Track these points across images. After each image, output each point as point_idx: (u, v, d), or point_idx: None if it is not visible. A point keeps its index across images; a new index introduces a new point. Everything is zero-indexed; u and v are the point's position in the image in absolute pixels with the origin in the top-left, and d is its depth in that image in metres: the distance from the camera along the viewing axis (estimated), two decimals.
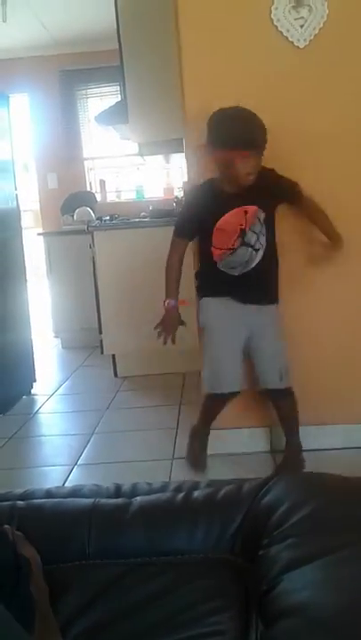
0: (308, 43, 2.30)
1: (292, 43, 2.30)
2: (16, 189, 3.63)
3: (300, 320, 2.47)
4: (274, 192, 2.24)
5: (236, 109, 2.10)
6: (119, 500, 1.19)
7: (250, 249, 2.19)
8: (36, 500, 1.22)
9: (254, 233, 2.18)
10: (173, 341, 2.30)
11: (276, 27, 2.29)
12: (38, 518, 1.16)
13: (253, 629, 0.89)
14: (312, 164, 2.38)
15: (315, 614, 0.80)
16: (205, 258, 2.29)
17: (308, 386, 2.51)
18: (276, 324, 2.34)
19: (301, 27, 2.28)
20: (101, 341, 3.86)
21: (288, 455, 2.42)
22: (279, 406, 2.42)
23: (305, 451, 2.44)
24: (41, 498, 1.24)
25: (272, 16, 2.28)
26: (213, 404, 2.40)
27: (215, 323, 2.32)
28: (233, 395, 2.35)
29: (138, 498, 1.19)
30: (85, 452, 2.79)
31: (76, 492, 1.25)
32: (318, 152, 2.38)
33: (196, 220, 2.26)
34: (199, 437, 2.45)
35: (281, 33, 2.29)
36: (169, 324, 2.30)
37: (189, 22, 2.34)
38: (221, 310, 2.29)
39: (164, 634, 0.90)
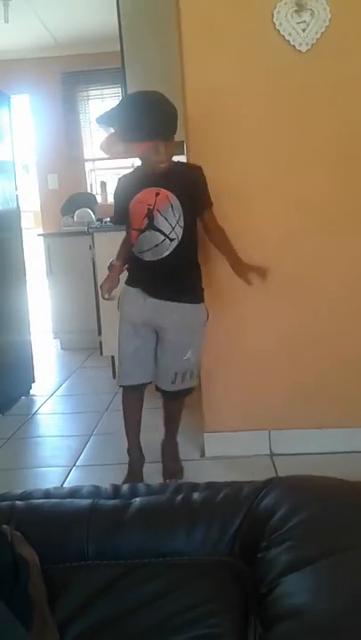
0: (310, 47, 2.30)
1: (294, 47, 2.30)
2: (17, 190, 3.63)
3: (299, 323, 2.47)
4: (190, 185, 2.17)
5: (145, 96, 2.08)
6: (118, 502, 1.19)
7: (161, 235, 2.13)
8: (34, 501, 1.22)
9: (165, 219, 2.12)
10: (110, 298, 2.38)
11: (279, 31, 2.29)
12: (37, 519, 1.16)
13: (252, 632, 0.89)
14: (314, 165, 2.39)
15: (313, 617, 0.80)
16: (129, 241, 2.28)
17: (304, 389, 2.52)
18: (185, 325, 2.24)
19: (303, 31, 2.29)
20: (101, 343, 3.85)
21: (166, 463, 2.46)
22: (165, 405, 2.43)
23: (305, 454, 2.44)
24: (40, 498, 1.24)
25: (274, 20, 2.29)
26: (128, 399, 2.39)
27: (123, 311, 2.31)
28: (140, 387, 2.35)
29: (137, 499, 1.19)
30: (84, 452, 2.79)
31: (74, 493, 1.25)
32: (320, 155, 2.38)
33: (120, 203, 2.24)
34: (134, 439, 2.42)
35: (283, 37, 2.30)
36: (107, 280, 2.39)
37: (191, 25, 2.34)
38: (131, 300, 2.27)
39: (161, 635, 0.90)
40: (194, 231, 2.21)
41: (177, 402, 2.39)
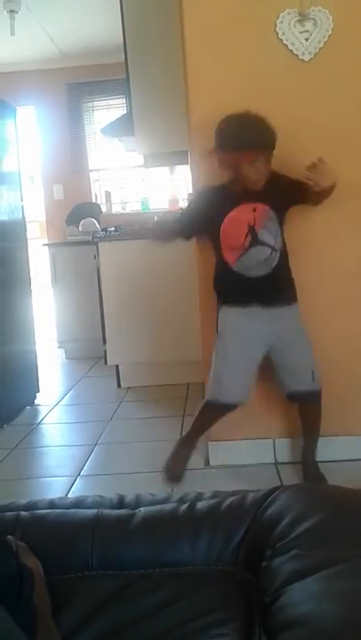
0: (313, 56, 2.31)
1: (297, 56, 2.31)
2: (22, 200, 3.65)
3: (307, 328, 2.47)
4: (285, 193, 2.20)
5: (245, 113, 2.10)
6: (122, 511, 1.19)
7: (267, 248, 2.15)
8: (39, 511, 1.22)
9: (269, 232, 2.14)
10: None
11: (282, 40, 2.31)
12: (41, 529, 1.16)
13: None
14: None
15: (317, 627, 0.79)
16: (219, 261, 2.26)
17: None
18: (301, 323, 2.31)
19: (306, 40, 2.30)
20: (105, 352, 3.86)
21: (306, 472, 2.39)
22: (307, 410, 2.39)
23: None
24: (44, 508, 1.24)
25: (277, 29, 2.30)
26: (213, 414, 2.35)
27: (234, 332, 2.27)
28: (236, 406, 2.30)
29: (141, 509, 1.19)
30: (89, 462, 2.78)
31: (79, 503, 1.25)
32: None
33: (200, 218, 2.24)
34: (187, 447, 2.39)
35: (286, 46, 2.31)
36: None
37: (195, 35, 2.36)
38: (242, 319, 2.25)
39: None
40: (284, 237, 2.25)
41: (319, 404, 2.36)
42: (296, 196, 2.21)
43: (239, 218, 2.14)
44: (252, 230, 2.12)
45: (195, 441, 2.40)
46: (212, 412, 2.35)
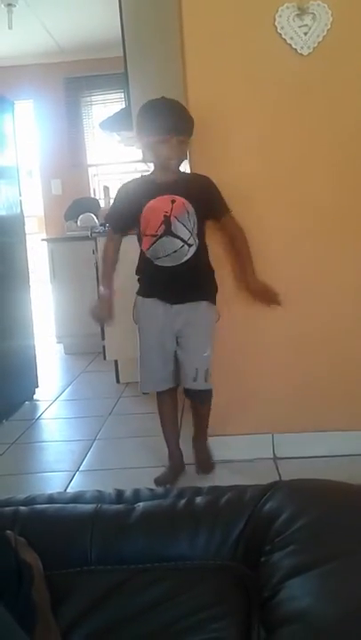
0: (311, 50, 2.31)
1: (296, 50, 2.31)
2: (20, 195, 3.64)
3: (302, 326, 2.47)
4: (205, 197, 2.24)
5: (159, 100, 2.20)
6: (121, 506, 1.19)
7: (179, 241, 2.18)
8: (38, 506, 1.22)
9: (183, 225, 2.18)
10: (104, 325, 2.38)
11: (280, 34, 2.30)
12: (40, 524, 1.16)
13: (255, 636, 0.88)
14: (317, 168, 2.39)
15: (316, 622, 0.79)
16: (140, 248, 2.30)
17: (308, 392, 2.51)
18: (202, 322, 2.31)
19: (305, 34, 2.29)
20: (104, 347, 3.86)
21: (198, 459, 2.49)
22: (193, 407, 2.48)
23: (308, 458, 2.44)
24: (43, 503, 1.24)
25: (276, 24, 2.29)
26: (160, 400, 2.45)
27: (144, 323, 2.35)
28: (164, 392, 2.40)
29: (140, 504, 1.19)
30: (88, 457, 2.78)
31: (78, 498, 1.25)
32: (322, 159, 2.38)
33: (126, 211, 2.28)
34: (172, 441, 2.48)
35: (285, 40, 2.30)
36: (101, 311, 2.39)
37: (193, 30, 2.35)
38: (150, 310, 2.32)
39: None
40: (205, 237, 2.28)
41: (206, 404, 2.42)
42: (212, 203, 2.26)
43: (157, 207, 2.19)
44: (166, 220, 2.17)
45: (171, 433, 2.48)
46: (158, 402, 2.45)
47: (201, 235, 2.24)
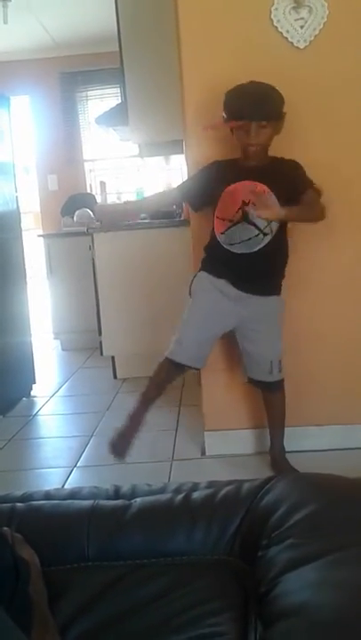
0: (308, 43, 2.30)
1: (292, 43, 2.30)
2: (16, 191, 3.63)
3: (300, 319, 2.47)
4: (289, 181, 2.19)
5: (250, 83, 2.14)
6: (118, 502, 1.19)
7: (255, 229, 2.15)
8: (35, 502, 1.22)
9: None
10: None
11: (276, 27, 2.29)
12: (37, 520, 1.16)
13: (253, 631, 0.88)
14: (312, 162, 2.38)
15: (313, 615, 0.79)
16: (211, 231, 2.26)
17: (309, 386, 2.51)
18: (273, 316, 2.30)
19: (301, 27, 2.28)
20: (101, 343, 3.86)
21: (273, 458, 2.43)
22: (267, 400, 2.41)
23: (305, 452, 2.44)
24: (40, 500, 1.24)
25: (272, 17, 2.28)
26: (168, 372, 2.35)
27: (200, 298, 2.29)
28: (189, 368, 2.34)
29: (137, 499, 1.19)
30: (85, 453, 2.78)
31: (75, 494, 1.25)
32: (317, 153, 2.38)
33: (203, 189, 2.24)
34: (145, 405, 2.38)
35: (281, 34, 2.29)
36: (104, 212, 2.39)
37: (189, 24, 2.34)
38: (214, 292, 2.26)
39: (163, 635, 0.90)
40: (285, 228, 2.23)
41: (280, 393, 2.38)
42: (296, 187, 2.18)
43: (236, 191, 2.15)
44: (243, 205, 2.13)
45: (150, 399, 2.38)
46: (168, 371, 2.35)
47: (282, 225, 2.19)
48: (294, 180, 2.19)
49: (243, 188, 2.14)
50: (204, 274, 2.29)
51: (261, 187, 2.12)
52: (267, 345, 2.30)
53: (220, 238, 2.20)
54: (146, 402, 2.38)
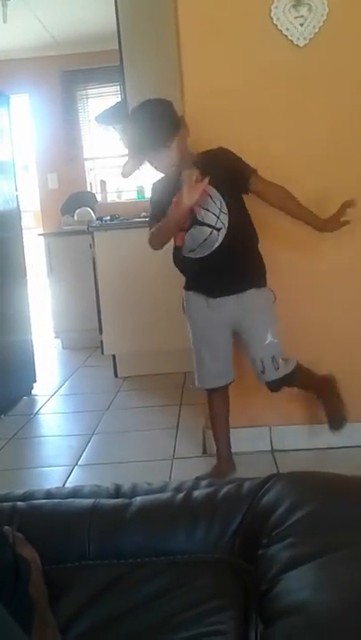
0: (308, 41, 2.30)
1: (292, 41, 2.30)
2: (16, 190, 3.63)
3: (298, 317, 2.47)
4: (226, 168, 2.12)
5: (139, 110, 2.12)
6: (119, 501, 1.19)
7: (207, 228, 2.10)
8: (36, 501, 1.22)
9: (207, 210, 2.08)
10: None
11: (276, 25, 2.29)
12: (38, 519, 1.16)
13: (253, 629, 0.88)
14: (312, 158, 2.38)
15: (313, 613, 0.79)
16: (174, 247, 2.23)
17: None
18: (256, 311, 2.22)
19: (301, 25, 2.28)
20: (102, 342, 3.86)
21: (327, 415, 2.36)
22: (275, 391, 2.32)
23: (306, 450, 2.44)
24: (41, 499, 1.24)
25: (272, 15, 2.28)
26: (209, 398, 2.38)
27: (191, 317, 2.30)
28: (221, 388, 2.33)
29: (138, 498, 1.19)
30: (86, 452, 2.79)
31: (76, 493, 1.25)
32: (318, 149, 2.38)
33: (159, 211, 2.19)
34: (219, 439, 2.40)
35: (281, 32, 2.29)
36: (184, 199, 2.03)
37: (189, 22, 2.34)
38: (194, 304, 2.26)
39: (163, 634, 0.89)
40: (242, 215, 2.17)
41: (295, 385, 2.32)
42: (237, 175, 2.13)
43: (179, 200, 2.06)
44: (190, 211, 2.08)
45: (214, 426, 2.40)
46: (210, 399, 2.37)
47: (234, 213, 2.11)
48: (232, 165, 2.13)
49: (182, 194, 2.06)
50: (186, 292, 2.30)
51: (198, 179, 2.03)
52: (253, 343, 2.23)
53: (183, 250, 2.18)
54: (223, 436, 2.39)
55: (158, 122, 2.07)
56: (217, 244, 2.11)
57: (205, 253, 2.13)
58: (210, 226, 2.09)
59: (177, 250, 2.22)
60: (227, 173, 2.10)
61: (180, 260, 2.23)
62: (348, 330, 2.50)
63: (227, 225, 2.10)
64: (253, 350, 2.23)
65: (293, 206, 2.18)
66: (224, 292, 2.19)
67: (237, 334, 2.27)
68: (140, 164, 2.12)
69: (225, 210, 2.09)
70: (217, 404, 2.38)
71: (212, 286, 2.19)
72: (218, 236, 2.10)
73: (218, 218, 2.09)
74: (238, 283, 2.19)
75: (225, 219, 2.10)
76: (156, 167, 2.15)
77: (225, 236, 2.10)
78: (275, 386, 2.28)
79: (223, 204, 2.09)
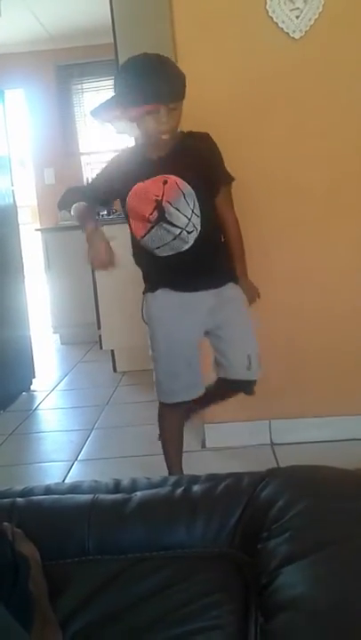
0: (303, 34, 2.29)
1: (288, 34, 2.29)
2: (13, 185, 3.62)
3: (297, 312, 2.47)
4: (202, 162, 1.91)
5: (139, 59, 1.81)
6: (118, 496, 1.19)
7: (176, 229, 1.86)
8: (35, 497, 1.22)
9: (178, 211, 1.85)
10: (110, 265, 1.84)
11: (272, 18, 2.28)
12: (38, 515, 1.16)
13: (253, 623, 0.88)
14: (309, 152, 2.38)
15: (312, 607, 0.80)
16: (132, 237, 1.99)
17: (306, 377, 2.51)
18: (239, 304, 2.04)
19: (297, 18, 2.27)
20: (100, 337, 3.86)
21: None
22: (230, 395, 2.18)
23: (305, 443, 2.44)
24: (41, 494, 1.24)
25: (267, 7, 2.27)
26: (167, 413, 2.10)
27: (157, 321, 2.01)
28: (178, 405, 2.06)
29: (137, 493, 1.19)
30: (85, 447, 2.79)
31: (75, 489, 1.25)
32: (315, 142, 2.37)
33: (110, 187, 1.94)
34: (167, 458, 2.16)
35: (276, 24, 2.28)
36: (98, 252, 1.87)
37: (184, 14, 2.33)
38: (163, 304, 1.99)
39: (164, 628, 0.90)
40: (213, 215, 1.96)
41: (252, 394, 2.13)
42: (211, 188, 1.94)
43: (146, 190, 1.86)
44: (159, 205, 1.85)
45: (173, 452, 2.16)
46: (170, 413, 2.11)
47: (206, 215, 1.89)
48: (210, 164, 1.93)
49: (153, 184, 1.85)
50: (146, 295, 2.03)
51: (172, 180, 1.85)
52: (240, 338, 2.03)
53: (142, 242, 1.93)
54: (176, 458, 2.16)
55: (173, 76, 1.81)
56: (186, 247, 1.89)
57: (174, 252, 1.91)
58: (179, 227, 1.87)
59: (135, 241, 1.97)
60: (204, 171, 1.90)
61: (141, 253, 1.98)
62: (342, 322, 2.50)
63: (199, 228, 1.89)
64: (243, 345, 2.03)
65: (237, 248, 2.05)
66: (203, 286, 1.96)
67: (213, 333, 2.05)
68: (132, 110, 1.81)
69: (198, 211, 1.87)
70: (178, 419, 2.12)
71: (188, 281, 1.95)
72: (189, 238, 1.88)
73: (190, 220, 1.86)
74: (217, 277, 1.99)
75: (197, 221, 1.88)
76: (138, 127, 1.86)
77: (196, 239, 1.89)
78: (249, 386, 2.10)
79: (197, 204, 1.87)
